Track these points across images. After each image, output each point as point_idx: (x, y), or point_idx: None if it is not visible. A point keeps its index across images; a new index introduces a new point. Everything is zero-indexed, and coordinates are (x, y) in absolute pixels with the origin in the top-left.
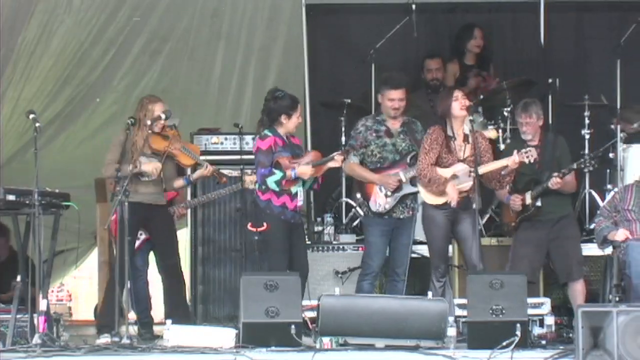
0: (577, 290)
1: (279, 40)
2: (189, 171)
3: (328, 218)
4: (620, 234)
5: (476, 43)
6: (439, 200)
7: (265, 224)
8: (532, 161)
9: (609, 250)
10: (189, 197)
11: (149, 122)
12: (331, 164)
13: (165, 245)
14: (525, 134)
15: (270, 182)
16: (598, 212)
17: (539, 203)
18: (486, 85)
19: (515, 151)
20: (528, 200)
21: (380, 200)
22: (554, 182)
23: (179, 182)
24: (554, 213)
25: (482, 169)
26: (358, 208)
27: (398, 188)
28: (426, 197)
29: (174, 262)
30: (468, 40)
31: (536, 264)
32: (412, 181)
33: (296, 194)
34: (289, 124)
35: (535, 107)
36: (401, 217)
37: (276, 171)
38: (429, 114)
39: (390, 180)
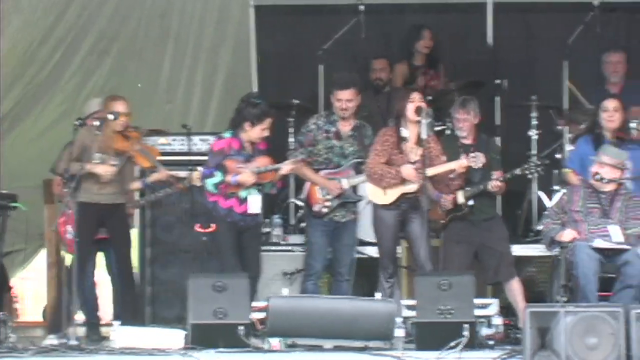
0: (514, 289)
1: (227, 41)
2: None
3: (276, 219)
4: (567, 235)
5: (425, 44)
6: (388, 200)
7: (213, 225)
8: (479, 166)
9: (556, 251)
10: (137, 197)
11: (111, 118)
12: (281, 172)
13: (120, 246)
14: (460, 130)
15: (209, 183)
16: (545, 213)
17: (471, 202)
18: (435, 82)
19: (463, 155)
20: (460, 200)
21: (319, 203)
22: (495, 185)
23: (136, 184)
24: (483, 213)
25: (429, 172)
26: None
27: (339, 194)
28: (375, 197)
29: (126, 263)
30: (416, 40)
31: (466, 263)
32: (355, 189)
33: (246, 199)
34: (251, 133)
35: (473, 104)
36: (342, 220)
37: (217, 173)
38: (375, 115)
39: (333, 186)
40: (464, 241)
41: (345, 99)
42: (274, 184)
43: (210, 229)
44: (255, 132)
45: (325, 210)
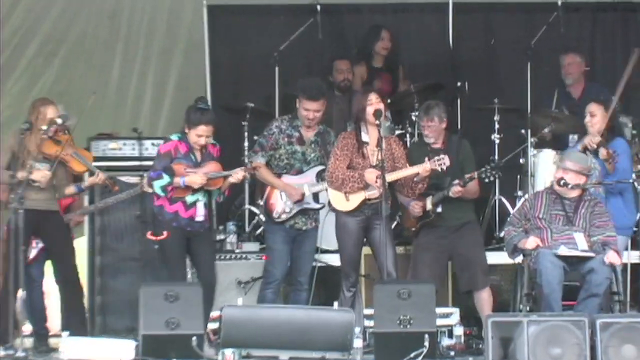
0: (484, 299)
1: (179, 43)
2: (86, 177)
3: (230, 226)
4: (531, 242)
5: (383, 45)
6: (351, 206)
7: (165, 232)
8: (444, 169)
9: (519, 259)
10: (85, 204)
11: (44, 127)
12: (231, 179)
13: (61, 254)
14: (427, 137)
15: (157, 186)
16: (508, 219)
17: (439, 209)
18: (387, 86)
19: (426, 158)
20: (428, 206)
21: (279, 208)
22: (455, 190)
23: (71, 189)
24: (456, 219)
25: (391, 177)
26: (261, 215)
27: (300, 200)
28: (337, 203)
29: (70, 271)
30: (375, 42)
31: (438, 271)
32: (316, 197)
33: (194, 204)
34: (190, 136)
35: (437, 109)
36: (303, 228)
37: (165, 176)
38: (335, 117)
39: (294, 192)
40: (434, 249)
41: (314, 109)
42: (222, 192)
43: (162, 237)
44: (192, 137)
45: (284, 216)
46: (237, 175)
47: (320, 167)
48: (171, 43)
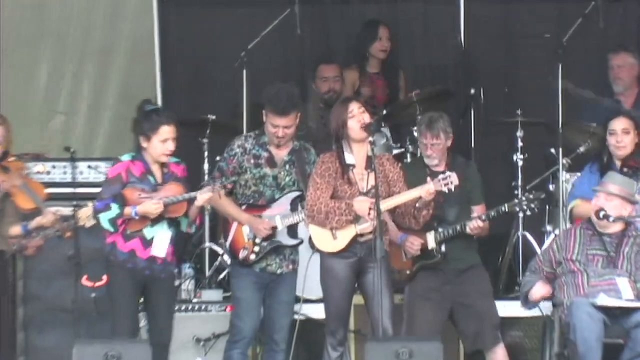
0: (499, 359)
1: (122, 40)
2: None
3: (187, 269)
4: (536, 291)
5: (381, 46)
6: (339, 245)
7: (105, 277)
8: (452, 189)
9: (536, 311)
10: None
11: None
12: (197, 203)
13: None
14: (430, 157)
15: (104, 219)
16: (529, 263)
17: (444, 248)
18: (381, 93)
19: (428, 178)
20: (431, 244)
21: (245, 247)
22: (474, 226)
23: (16, 229)
24: (461, 261)
25: (387, 204)
26: (225, 255)
27: (270, 236)
28: (322, 243)
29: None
30: (371, 42)
31: (437, 326)
32: (291, 231)
33: (152, 240)
34: (150, 150)
35: (442, 123)
36: (278, 271)
37: (113, 206)
38: (320, 135)
39: (261, 226)
40: (434, 297)
41: (283, 125)
42: (190, 221)
43: (100, 283)
44: (155, 148)
45: (252, 256)
46: (203, 196)
47: (296, 193)
48: (112, 40)
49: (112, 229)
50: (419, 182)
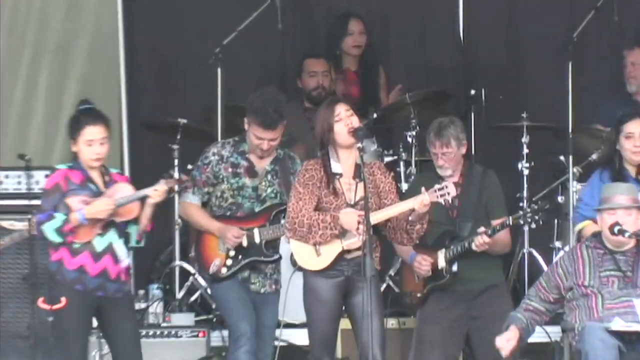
0: None
1: (82, 36)
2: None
3: (155, 290)
4: (503, 342)
5: (354, 41)
6: (323, 263)
7: (64, 298)
8: (449, 201)
9: (556, 336)
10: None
11: None
12: (151, 201)
13: None
14: (442, 168)
15: (49, 230)
16: (528, 292)
17: (455, 267)
18: (354, 89)
19: (423, 188)
20: (441, 263)
21: (217, 261)
22: (480, 242)
23: None
24: (477, 282)
25: (377, 217)
26: (197, 276)
27: (246, 249)
28: (305, 260)
29: None
30: (342, 37)
31: (452, 352)
32: (274, 246)
33: (106, 251)
34: (80, 155)
35: (453, 129)
36: (262, 291)
37: (57, 214)
38: (306, 138)
39: (230, 234)
40: (447, 323)
41: (269, 138)
42: (141, 230)
43: (59, 305)
44: (82, 152)
45: (224, 270)
46: (158, 192)
47: (279, 208)
48: (71, 36)
49: (59, 239)
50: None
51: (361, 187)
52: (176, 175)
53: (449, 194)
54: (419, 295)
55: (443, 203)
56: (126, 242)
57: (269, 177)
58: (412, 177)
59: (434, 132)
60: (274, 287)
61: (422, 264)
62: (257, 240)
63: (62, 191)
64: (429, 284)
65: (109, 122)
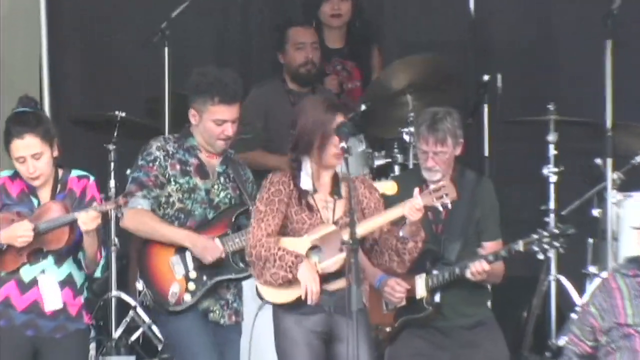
0: None
1: None
2: None
3: None
4: None
5: (331, 9)
6: (290, 295)
7: None
8: (448, 205)
9: None
10: None
11: None
12: (82, 227)
13: None
14: (431, 171)
15: None
16: (572, 317)
17: (438, 298)
18: (353, 85)
19: (416, 190)
20: (421, 292)
21: (174, 287)
22: (478, 270)
23: None
24: (463, 316)
25: (362, 228)
26: (138, 308)
27: (209, 266)
28: (267, 293)
29: None
30: (317, 4)
31: None
32: (238, 259)
33: (32, 283)
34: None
35: (451, 124)
36: (221, 322)
37: None
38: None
39: (209, 245)
40: None
41: (232, 119)
42: (89, 258)
43: None
44: (18, 168)
45: (187, 297)
46: (88, 216)
47: (240, 209)
48: None
49: None
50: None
51: (340, 204)
52: (112, 184)
53: (447, 195)
54: (387, 329)
55: (441, 208)
56: (78, 271)
57: (222, 179)
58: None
59: (427, 125)
60: (233, 318)
61: (396, 289)
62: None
63: None
64: (401, 317)
65: (47, 129)
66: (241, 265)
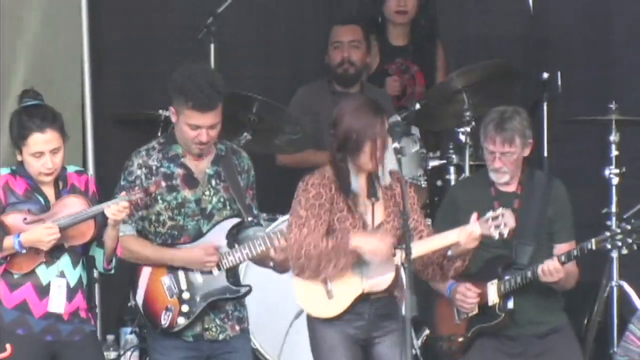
0: None
1: (31, 9)
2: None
3: (128, 335)
4: None
5: (397, 5)
6: (336, 309)
7: (8, 346)
8: (505, 234)
9: None
10: None
11: None
12: (113, 217)
13: None
14: (498, 172)
15: None
16: (631, 327)
17: (511, 304)
18: (418, 90)
19: (474, 215)
20: (493, 298)
21: (168, 310)
22: (548, 268)
23: None
24: (537, 324)
25: (417, 250)
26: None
27: (201, 285)
28: (311, 305)
29: None
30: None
31: None
32: (230, 277)
33: (49, 285)
34: (27, 164)
35: (520, 123)
36: (220, 337)
37: None
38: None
39: (206, 255)
40: None
41: (208, 125)
42: (107, 253)
43: (4, 354)
44: (28, 165)
45: (181, 320)
46: (116, 208)
47: (233, 221)
48: (17, 9)
49: None
50: (482, 208)
51: (379, 207)
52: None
53: (505, 225)
54: (460, 339)
55: (497, 237)
56: (88, 270)
57: (213, 182)
58: (451, 186)
59: (494, 124)
60: (237, 328)
61: (467, 295)
62: (214, 271)
63: (1, 205)
64: (474, 326)
65: (62, 124)
66: (234, 284)
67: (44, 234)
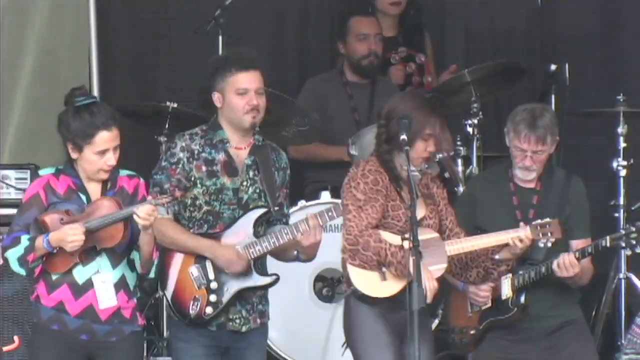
0: None
1: (39, 4)
2: None
3: None
4: None
5: None
6: (389, 290)
7: (16, 338)
8: (549, 244)
9: None
10: None
11: None
12: (139, 222)
13: None
14: (527, 170)
15: (12, 259)
16: (638, 320)
17: (523, 298)
18: (426, 79)
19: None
20: (506, 292)
21: (196, 300)
22: (564, 262)
23: None
24: (550, 318)
25: (453, 248)
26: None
27: (228, 274)
28: (364, 284)
29: None
30: None
31: None
32: (262, 265)
33: (87, 285)
34: (83, 164)
35: (549, 120)
36: (243, 329)
37: (23, 238)
38: (344, 124)
39: (235, 257)
40: None
41: (255, 87)
42: (145, 257)
43: (11, 347)
44: (89, 163)
45: (209, 310)
46: (144, 210)
47: (260, 211)
48: (24, 2)
49: (22, 272)
50: (501, 203)
51: (420, 203)
52: None
53: (551, 234)
54: (472, 332)
55: (541, 245)
56: (131, 271)
57: (250, 173)
58: (469, 180)
59: (527, 124)
60: (259, 321)
61: (481, 289)
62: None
63: (41, 205)
64: (487, 319)
65: (119, 122)
66: (262, 272)
67: (68, 234)
